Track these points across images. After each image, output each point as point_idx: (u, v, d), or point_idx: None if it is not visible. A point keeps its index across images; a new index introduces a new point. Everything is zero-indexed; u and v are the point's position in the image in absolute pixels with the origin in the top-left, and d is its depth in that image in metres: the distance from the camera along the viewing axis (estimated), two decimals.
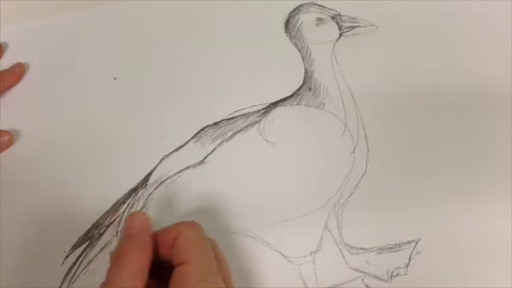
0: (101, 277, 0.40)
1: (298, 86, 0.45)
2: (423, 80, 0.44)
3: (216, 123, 0.44)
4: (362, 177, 0.42)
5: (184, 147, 0.44)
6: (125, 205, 0.42)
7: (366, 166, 0.42)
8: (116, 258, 0.33)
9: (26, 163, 0.45)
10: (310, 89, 0.45)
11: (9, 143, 0.45)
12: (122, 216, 0.42)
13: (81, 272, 0.40)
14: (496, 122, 0.42)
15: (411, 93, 0.44)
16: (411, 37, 0.46)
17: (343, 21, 0.47)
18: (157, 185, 0.43)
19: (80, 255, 0.41)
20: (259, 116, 0.44)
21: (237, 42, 0.48)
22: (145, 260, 0.33)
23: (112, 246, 0.41)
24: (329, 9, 0.47)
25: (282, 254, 0.40)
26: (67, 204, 0.43)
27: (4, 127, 0.46)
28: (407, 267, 0.39)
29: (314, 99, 0.44)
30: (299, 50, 0.46)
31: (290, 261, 0.40)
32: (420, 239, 0.39)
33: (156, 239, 0.35)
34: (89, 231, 0.41)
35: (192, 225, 0.35)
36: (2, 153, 0.45)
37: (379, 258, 0.39)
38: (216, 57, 0.47)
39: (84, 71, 0.48)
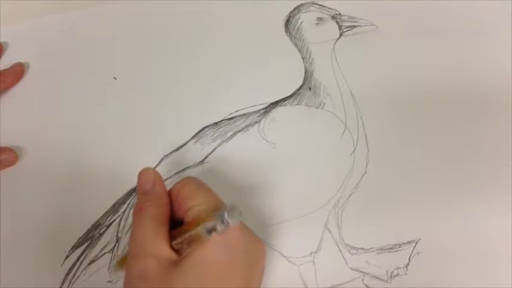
0: (101, 277, 0.40)
1: (298, 86, 0.45)
2: (423, 80, 0.44)
3: (216, 123, 0.44)
4: (362, 177, 0.41)
5: (184, 147, 0.44)
6: (125, 205, 0.42)
7: (366, 166, 0.42)
8: (135, 214, 0.35)
9: (26, 163, 0.45)
10: (310, 89, 0.45)
11: (13, 162, 0.45)
12: (122, 216, 0.42)
13: (81, 272, 0.40)
14: (496, 121, 0.42)
15: (411, 93, 0.44)
16: (411, 37, 0.46)
17: (343, 21, 0.47)
18: None
19: (80, 256, 0.41)
20: (259, 116, 0.44)
21: (237, 42, 0.48)
22: (164, 211, 0.35)
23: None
24: (329, 8, 0.47)
25: (282, 254, 0.40)
26: (67, 205, 0.43)
27: (4, 127, 0.46)
28: (407, 267, 0.39)
29: (314, 99, 0.44)
30: (299, 50, 0.46)
31: (290, 262, 0.40)
32: (420, 239, 0.39)
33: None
34: (89, 231, 0.41)
35: (190, 177, 0.37)
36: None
37: (379, 258, 0.39)
38: (216, 57, 0.47)
39: (84, 71, 0.48)
